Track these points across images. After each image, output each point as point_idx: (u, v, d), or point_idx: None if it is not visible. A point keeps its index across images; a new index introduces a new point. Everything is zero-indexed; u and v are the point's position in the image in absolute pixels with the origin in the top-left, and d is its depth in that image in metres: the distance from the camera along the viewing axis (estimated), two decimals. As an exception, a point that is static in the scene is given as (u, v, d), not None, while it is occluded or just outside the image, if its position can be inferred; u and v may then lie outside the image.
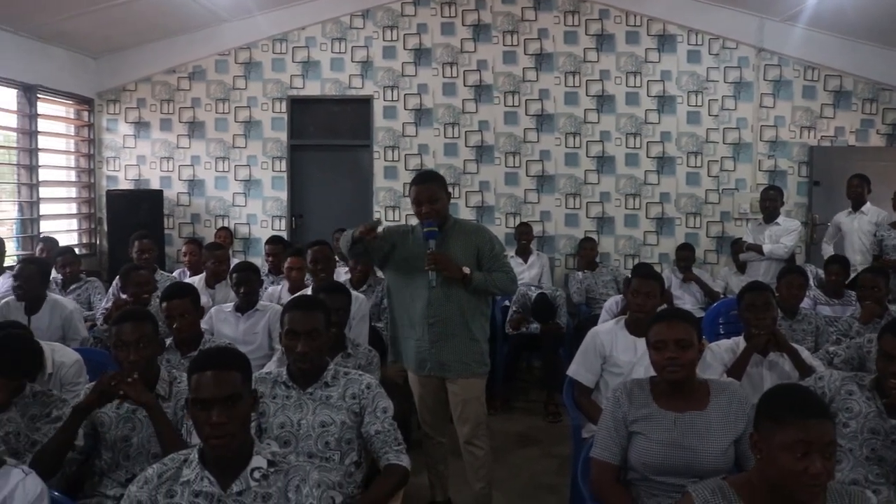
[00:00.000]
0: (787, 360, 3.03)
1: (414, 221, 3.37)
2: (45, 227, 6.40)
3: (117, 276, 4.67)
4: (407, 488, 2.45)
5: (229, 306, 4.02)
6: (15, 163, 6.26)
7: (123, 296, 4.26)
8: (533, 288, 5.70)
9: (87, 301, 5.02)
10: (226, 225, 7.05)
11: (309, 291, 3.96)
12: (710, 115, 6.85)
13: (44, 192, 6.46)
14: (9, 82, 6.02)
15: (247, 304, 3.96)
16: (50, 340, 3.39)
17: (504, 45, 6.94)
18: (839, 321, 4.10)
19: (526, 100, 6.94)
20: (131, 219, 6.44)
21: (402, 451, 2.40)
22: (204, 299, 4.11)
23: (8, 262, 5.31)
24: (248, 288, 3.96)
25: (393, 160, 7.04)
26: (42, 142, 6.44)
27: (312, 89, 7.05)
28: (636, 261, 6.79)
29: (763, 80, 6.81)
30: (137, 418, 2.44)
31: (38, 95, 6.30)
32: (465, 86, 6.97)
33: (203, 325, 3.51)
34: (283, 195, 7.12)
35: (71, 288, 5.03)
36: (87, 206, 7.18)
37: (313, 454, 2.35)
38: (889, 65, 6.67)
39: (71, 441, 2.31)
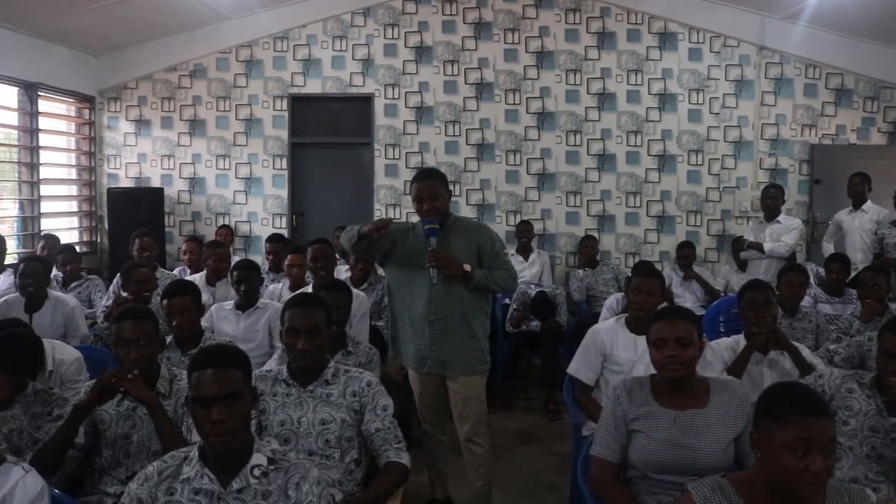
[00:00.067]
0: (788, 359, 3.02)
1: (415, 219, 3.37)
2: (46, 225, 6.40)
3: (118, 274, 4.68)
4: (407, 486, 2.45)
5: (230, 304, 4.02)
6: (16, 160, 6.26)
7: (124, 293, 4.26)
8: (533, 286, 5.69)
9: (88, 299, 5.02)
10: (226, 223, 7.05)
11: (310, 289, 3.96)
12: (711, 112, 6.85)
13: (45, 189, 6.46)
14: (10, 80, 6.02)
15: (247, 301, 3.96)
16: (52, 338, 3.41)
17: (505, 42, 6.94)
18: (839, 319, 4.10)
19: (527, 98, 6.93)
20: (132, 217, 6.44)
21: (402, 448, 2.41)
22: (205, 297, 4.11)
23: (8, 259, 5.31)
24: (248, 286, 3.96)
25: (394, 158, 7.04)
26: (43, 140, 6.44)
27: (313, 87, 7.05)
28: (637, 259, 6.79)
29: (764, 77, 6.81)
30: (138, 416, 2.44)
31: (39, 93, 6.30)
32: (466, 84, 6.97)
33: (203, 322, 3.51)
34: (284, 193, 7.13)
35: (71, 286, 5.03)
36: (88, 204, 7.19)
37: (313, 452, 2.35)
38: (890, 63, 6.66)
39: (72, 439, 2.31)
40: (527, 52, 6.92)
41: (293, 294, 3.06)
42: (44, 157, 6.46)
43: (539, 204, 6.98)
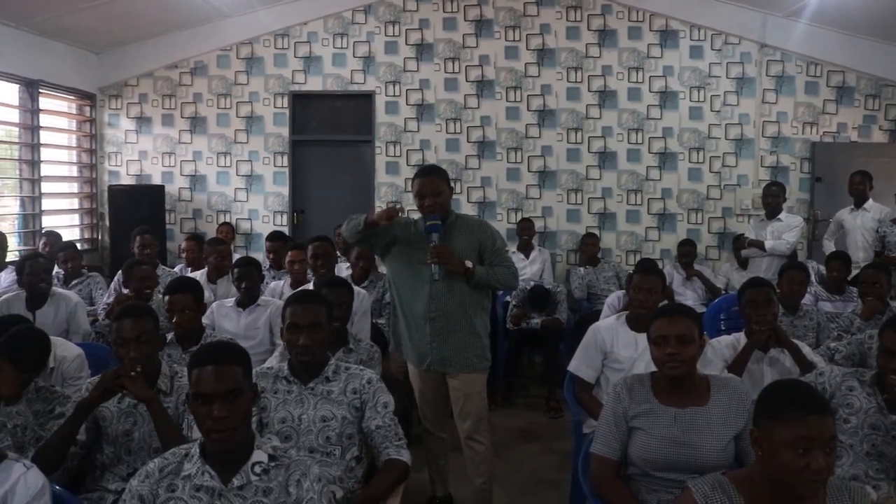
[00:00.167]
0: (788, 357, 3.02)
1: (416, 216, 3.37)
2: (47, 223, 6.40)
3: (119, 271, 4.68)
4: (407, 483, 2.45)
5: (231, 301, 4.02)
6: (17, 158, 6.26)
7: (125, 291, 4.27)
8: (532, 283, 5.70)
9: (89, 296, 5.03)
10: (227, 220, 7.05)
11: (311, 286, 3.96)
12: (712, 110, 6.85)
13: (45, 187, 6.46)
14: (11, 77, 6.02)
15: (248, 299, 3.96)
16: (55, 335, 3.40)
17: (506, 40, 6.93)
18: (840, 317, 4.10)
19: (528, 95, 6.93)
20: (133, 214, 6.45)
21: (402, 446, 2.41)
22: (206, 294, 4.11)
23: (9, 257, 5.32)
24: (249, 283, 3.96)
25: (395, 156, 7.04)
26: (44, 137, 6.44)
27: (314, 84, 7.05)
28: (638, 256, 6.79)
29: (765, 75, 6.80)
30: (139, 413, 2.45)
31: (40, 90, 6.30)
32: (466, 81, 6.96)
33: (204, 320, 3.51)
34: (285, 190, 7.13)
35: (72, 283, 5.04)
36: (89, 202, 7.19)
37: (314, 449, 2.35)
38: (892, 60, 6.65)
39: (74, 436, 2.32)
40: (528, 49, 6.91)
41: (294, 291, 3.06)
42: (45, 154, 6.46)
43: (540, 201, 6.98)
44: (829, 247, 5.63)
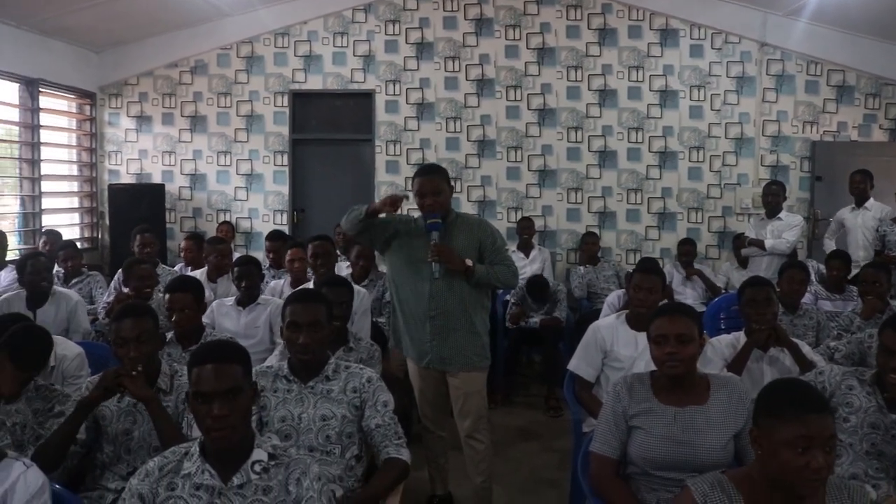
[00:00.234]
0: (788, 356, 3.02)
1: (416, 215, 3.37)
2: (47, 222, 6.41)
3: (119, 270, 4.68)
4: (407, 482, 2.45)
5: (231, 300, 4.01)
6: (17, 157, 6.26)
7: (125, 290, 4.26)
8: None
9: (89, 295, 5.03)
10: (227, 219, 7.06)
11: (311, 285, 3.96)
12: (712, 109, 6.84)
13: (46, 186, 6.47)
14: (11, 76, 6.02)
15: (248, 297, 3.96)
16: (55, 333, 3.40)
17: (506, 39, 6.93)
18: (840, 316, 4.10)
19: (528, 94, 6.93)
20: (133, 213, 6.45)
21: (402, 444, 2.41)
22: (206, 293, 4.11)
23: (9, 256, 5.32)
24: (249, 282, 3.96)
25: (395, 154, 7.04)
26: (44, 136, 6.44)
27: (314, 83, 7.05)
28: (638, 256, 6.79)
29: (765, 74, 6.80)
30: (139, 412, 2.45)
31: (40, 89, 6.30)
32: (466, 80, 6.96)
33: (204, 319, 3.51)
34: (285, 189, 7.13)
35: (73, 282, 5.04)
36: (89, 201, 7.19)
37: (314, 448, 2.35)
38: (892, 59, 6.65)
39: (74, 435, 2.32)
40: (528, 48, 6.91)
41: (294, 290, 3.06)
42: (45, 153, 6.47)
43: (540, 200, 6.98)
44: (830, 246, 5.63)
